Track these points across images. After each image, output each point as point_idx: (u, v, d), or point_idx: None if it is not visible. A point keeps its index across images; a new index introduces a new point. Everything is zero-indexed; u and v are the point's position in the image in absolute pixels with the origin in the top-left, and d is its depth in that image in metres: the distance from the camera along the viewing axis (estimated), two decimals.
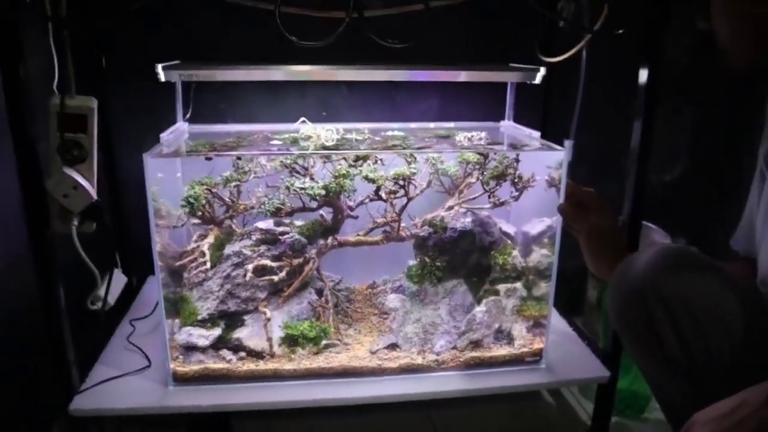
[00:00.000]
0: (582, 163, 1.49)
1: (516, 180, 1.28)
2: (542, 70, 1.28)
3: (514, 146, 1.32)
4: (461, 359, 1.22)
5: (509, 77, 1.38)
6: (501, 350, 1.24)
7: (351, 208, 1.28)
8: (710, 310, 0.83)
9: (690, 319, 0.82)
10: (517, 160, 1.27)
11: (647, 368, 0.94)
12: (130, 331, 1.31)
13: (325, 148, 1.18)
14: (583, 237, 1.12)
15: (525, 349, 1.24)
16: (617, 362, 1.22)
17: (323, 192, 1.21)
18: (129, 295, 1.46)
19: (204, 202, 1.20)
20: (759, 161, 0.98)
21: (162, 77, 1.16)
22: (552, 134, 1.34)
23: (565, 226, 1.19)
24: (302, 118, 1.27)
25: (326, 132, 1.24)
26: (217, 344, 1.19)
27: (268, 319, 1.19)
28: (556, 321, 1.43)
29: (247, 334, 1.19)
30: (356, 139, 1.27)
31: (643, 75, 1.12)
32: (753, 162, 1.77)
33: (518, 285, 1.28)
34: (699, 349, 0.81)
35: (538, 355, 1.25)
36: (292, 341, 1.20)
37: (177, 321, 1.20)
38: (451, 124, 1.46)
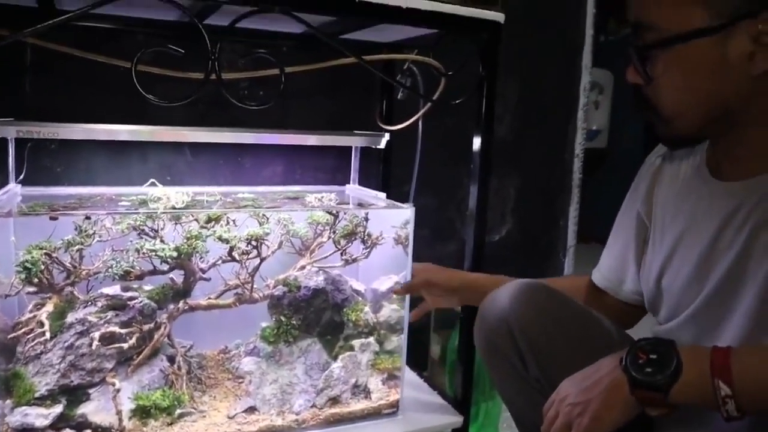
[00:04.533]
0: (422, 226, 1.59)
1: (366, 238, 1.33)
2: (386, 136, 1.38)
3: (362, 205, 1.39)
4: (321, 417, 1.23)
5: (356, 141, 1.46)
6: (359, 404, 1.26)
7: (203, 270, 1.25)
8: (564, 339, 0.93)
9: (548, 346, 0.92)
10: (366, 219, 1.33)
11: (511, 391, 1.02)
12: None
13: (176, 209, 1.17)
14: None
15: (382, 402, 1.28)
16: (468, 407, 1.30)
17: (175, 254, 1.18)
18: None
19: (42, 267, 1.12)
20: (637, 211, 1.07)
21: None
22: (393, 198, 1.43)
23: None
24: (151, 180, 1.24)
25: (176, 194, 1.22)
26: (58, 423, 1.08)
27: (118, 390, 1.11)
28: (408, 373, 1.48)
29: (93, 409, 1.11)
30: (207, 201, 1.26)
31: (477, 143, 1.25)
32: (566, 221, 2.00)
33: (371, 340, 1.32)
34: (558, 373, 0.90)
35: (395, 406, 1.28)
36: (144, 413, 1.13)
37: (9, 402, 1.08)
38: (298, 188, 1.50)
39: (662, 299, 0.99)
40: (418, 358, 1.60)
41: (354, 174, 1.55)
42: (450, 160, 1.75)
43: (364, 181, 1.58)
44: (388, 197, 1.43)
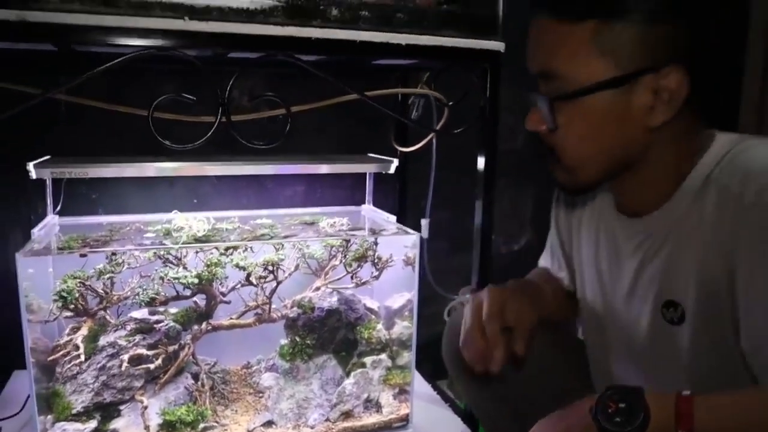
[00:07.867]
0: (438, 239, 1.65)
1: (375, 261, 1.40)
2: (395, 162, 1.44)
3: (373, 231, 1.45)
4: (334, 430, 1.31)
5: (367, 168, 1.53)
6: (371, 418, 1.34)
7: (223, 294, 1.34)
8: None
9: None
10: (376, 243, 1.40)
11: (478, 399, 1.08)
12: None
13: (196, 238, 1.26)
14: None
15: (393, 416, 1.35)
16: (476, 422, 1.36)
17: (196, 280, 1.27)
18: None
19: (77, 295, 1.23)
20: (560, 240, 1.15)
21: (33, 175, 1.20)
22: (410, 213, 1.50)
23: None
24: (174, 210, 1.34)
25: (198, 222, 1.31)
26: None
27: (146, 407, 1.22)
28: (422, 386, 1.56)
29: (124, 425, 1.22)
30: (226, 229, 1.35)
31: (481, 162, 1.30)
32: None
33: (383, 356, 1.39)
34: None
35: (405, 420, 1.36)
36: (170, 427, 1.23)
37: (50, 417, 1.20)
38: (317, 209, 1.58)
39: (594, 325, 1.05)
40: (436, 370, 1.67)
41: (368, 196, 1.62)
42: (464, 174, 1.80)
43: (381, 198, 1.65)
44: (405, 212, 1.49)
